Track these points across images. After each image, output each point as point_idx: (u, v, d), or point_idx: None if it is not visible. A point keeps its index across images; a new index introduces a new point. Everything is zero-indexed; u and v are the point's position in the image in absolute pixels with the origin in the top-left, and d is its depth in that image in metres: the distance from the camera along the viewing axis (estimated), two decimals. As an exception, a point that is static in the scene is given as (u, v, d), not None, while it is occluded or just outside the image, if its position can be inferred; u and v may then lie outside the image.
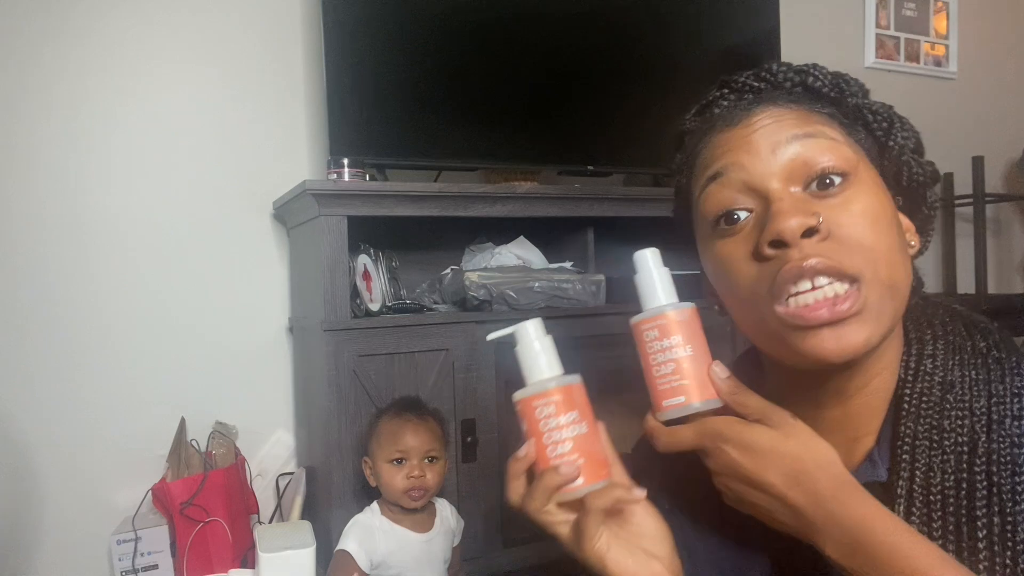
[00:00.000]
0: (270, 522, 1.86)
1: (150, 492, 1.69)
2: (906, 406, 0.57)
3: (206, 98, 1.88)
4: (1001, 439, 0.53)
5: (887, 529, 0.50)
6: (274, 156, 1.94)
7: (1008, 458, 0.52)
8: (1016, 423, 0.53)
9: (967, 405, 0.55)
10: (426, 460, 1.40)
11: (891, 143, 0.61)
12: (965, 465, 0.53)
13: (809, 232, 0.53)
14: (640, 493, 0.59)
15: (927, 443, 0.55)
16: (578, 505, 0.58)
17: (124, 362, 1.79)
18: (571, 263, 1.91)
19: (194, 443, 1.75)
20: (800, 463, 0.53)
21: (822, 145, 0.57)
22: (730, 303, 0.61)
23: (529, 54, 1.93)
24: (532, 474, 0.59)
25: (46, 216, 1.74)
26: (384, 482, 1.39)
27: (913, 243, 0.62)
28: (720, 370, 0.58)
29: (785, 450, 0.54)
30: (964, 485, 0.52)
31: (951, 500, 0.52)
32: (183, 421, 1.78)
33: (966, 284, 2.87)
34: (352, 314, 1.59)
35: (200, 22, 1.87)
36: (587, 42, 1.99)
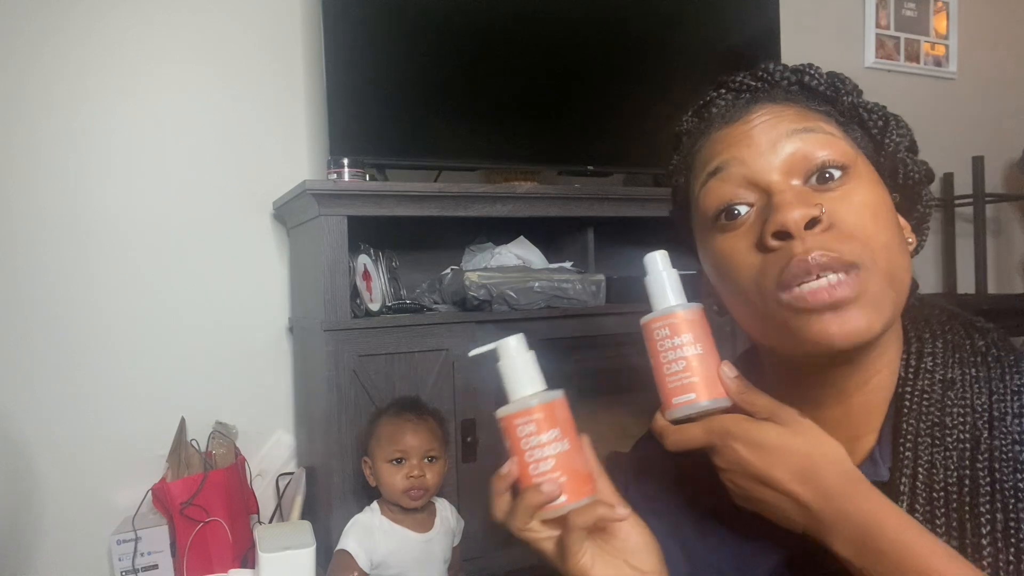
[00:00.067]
0: (270, 522, 1.86)
1: (150, 492, 1.69)
2: (907, 404, 0.57)
3: (206, 98, 1.88)
4: (1003, 436, 0.53)
5: (896, 526, 0.50)
6: (274, 156, 1.94)
7: (1010, 455, 0.52)
8: (1017, 421, 0.53)
9: (968, 402, 0.55)
10: (426, 460, 1.40)
11: (887, 141, 0.61)
12: (967, 462, 0.53)
13: (812, 223, 0.53)
14: (624, 511, 0.58)
15: (929, 440, 0.55)
16: (562, 521, 0.57)
17: (124, 362, 1.79)
18: (571, 263, 1.91)
19: (194, 443, 1.75)
20: (809, 460, 0.54)
21: (821, 140, 0.57)
22: (732, 299, 0.61)
23: (529, 54, 1.93)
24: (517, 490, 0.59)
25: (46, 216, 1.74)
26: (384, 482, 1.39)
27: (910, 240, 0.62)
28: (729, 370, 0.59)
29: (794, 447, 0.54)
30: (967, 482, 0.52)
31: (954, 497, 0.53)
32: (183, 421, 1.78)
33: (966, 284, 2.86)
34: (352, 314, 1.59)
35: (200, 22, 1.87)
36: (587, 42, 1.99)
